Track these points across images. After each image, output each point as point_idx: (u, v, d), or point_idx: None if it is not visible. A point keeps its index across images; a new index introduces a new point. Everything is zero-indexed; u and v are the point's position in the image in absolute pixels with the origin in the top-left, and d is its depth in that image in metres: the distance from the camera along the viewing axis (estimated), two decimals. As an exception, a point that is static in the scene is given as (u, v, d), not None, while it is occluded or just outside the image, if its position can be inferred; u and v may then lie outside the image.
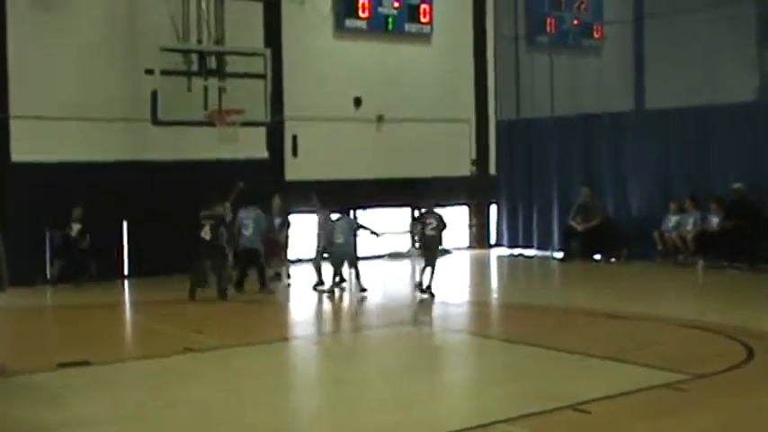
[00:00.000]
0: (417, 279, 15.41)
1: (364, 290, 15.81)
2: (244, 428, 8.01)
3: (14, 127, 17.69)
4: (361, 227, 16.49)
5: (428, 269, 15.24)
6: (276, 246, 17.50)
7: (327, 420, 8.30)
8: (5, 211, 16.23)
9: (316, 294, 16.33)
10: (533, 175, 22.62)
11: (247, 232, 16.32)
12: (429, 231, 15.49)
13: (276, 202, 17.75)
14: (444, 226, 15.79)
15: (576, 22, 25.11)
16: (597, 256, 20.48)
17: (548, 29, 24.26)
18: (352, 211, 16.73)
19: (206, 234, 15.64)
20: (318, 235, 17.06)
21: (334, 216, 16.33)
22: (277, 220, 17.59)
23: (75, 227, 17.64)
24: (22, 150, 17.68)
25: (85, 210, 17.53)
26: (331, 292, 16.02)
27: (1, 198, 15.83)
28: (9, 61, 17.58)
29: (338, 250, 15.95)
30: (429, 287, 15.15)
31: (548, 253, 21.88)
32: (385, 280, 18.75)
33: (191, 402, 8.81)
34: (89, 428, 8.02)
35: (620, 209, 20.69)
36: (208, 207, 15.82)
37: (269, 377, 10.03)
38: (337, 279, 16.28)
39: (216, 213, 15.83)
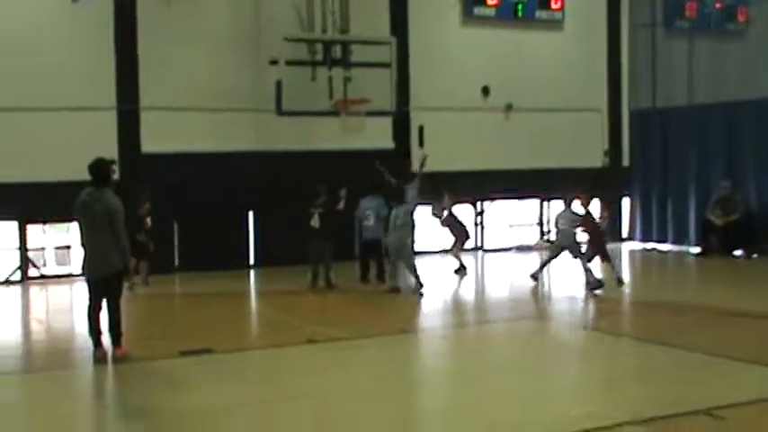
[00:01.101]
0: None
1: (599, 283, 14.80)
2: (363, 423, 7.78)
3: (144, 118, 18.06)
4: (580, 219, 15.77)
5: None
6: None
7: (447, 417, 7.98)
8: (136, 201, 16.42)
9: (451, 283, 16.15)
10: (669, 167, 21.77)
11: (369, 223, 16.14)
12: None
13: (446, 198, 17.53)
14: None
15: (718, 5, 23.97)
16: (737, 252, 19.47)
17: (687, 13, 23.22)
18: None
19: (315, 222, 15.57)
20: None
21: (561, 207, 15.49)
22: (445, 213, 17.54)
23: (147, 223, 16.25)
24: (152, 141, 18.04)
25: (153, 205, 16.42)
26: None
27: (132, 189, 16.10)
28: (139, 53, 17.95)
29: (561, 241, 15.27)
30: (620, 278, 15.40)
31: (683, 248, 21.00)
32: (512, 272, 18.35)
33: (310, 394, 8.65)
34: (207, 416, 7.96)
35: (763, 202, 19.61)
36: (317, 195, 15.66)
37: (389, 371, 9.80)
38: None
39: (324, 202, 15.67)
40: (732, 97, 20.42)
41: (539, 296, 14.97)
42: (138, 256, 14.80)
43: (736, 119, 20.26)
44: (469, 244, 18.68)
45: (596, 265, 15.30)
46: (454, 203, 17.72)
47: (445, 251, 18.79)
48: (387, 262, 15.94)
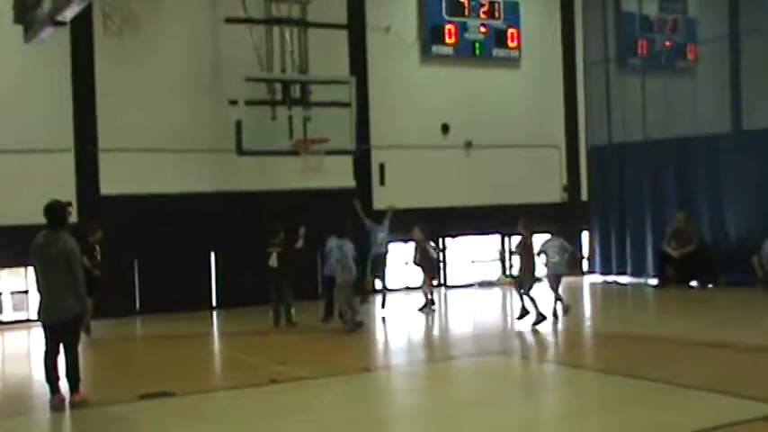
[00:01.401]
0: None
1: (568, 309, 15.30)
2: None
3: (102, 160, 17.97)
4: (570, 250, 16.01)
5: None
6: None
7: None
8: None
9: (402, 321, 16.12)
10: (626, 201, 22.07)
11: (333, 260, 16.11)
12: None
13: (416, 232, 17.56)
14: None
15: (668, 43, 24.45)
16: (693, 283, 19.75)
17: (639, 51, 23.65)
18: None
19: (273, 262, 15.59)
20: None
21: (547, 236, 15.67)
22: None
23: (97, 253, 15.19)
24: (110, 183, 17.94)
25: (105, 235, 15.33)
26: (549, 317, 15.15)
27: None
28: (97, 95, 17.90)
29: (556, 269, 15.38)
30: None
31: (642, 280, 21.24)
32: (474, 308, 18.40)
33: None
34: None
35: (716, 234, 19.98)
36: (275, 234, 15.73)
37: (354, 409, 9.77)
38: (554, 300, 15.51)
39: (282, 241, 15.71)
40: (685, 132, 20.78)
41: (503, 331, 14.97)
42: (92, 293, 13.98)
43: (688, 153, 20.61)
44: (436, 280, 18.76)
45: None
46: (427, 238, 17.81)
47: (411, 288, 18.81)
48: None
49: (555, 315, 15.26)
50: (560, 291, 15.45)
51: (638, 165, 21.79)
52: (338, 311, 16.09)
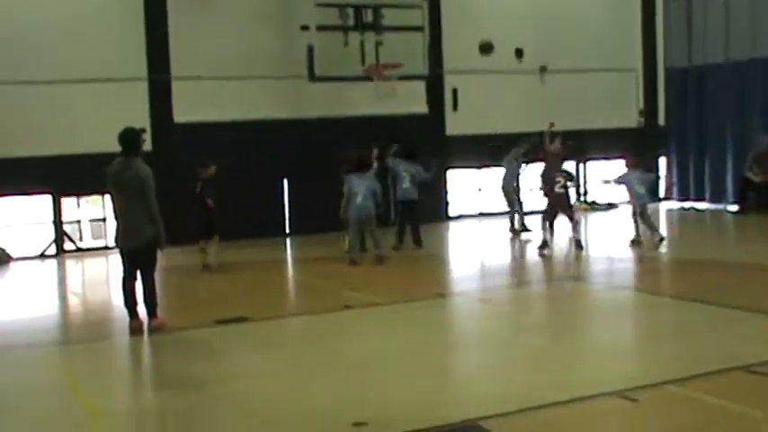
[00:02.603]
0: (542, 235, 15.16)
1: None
2: (400, 386, 7.70)
3: (175, 88, 18.05)
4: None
5: (570, 224, 15.16)
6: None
7: (485, 379, 7.90)
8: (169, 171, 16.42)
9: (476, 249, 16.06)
10: (706, 124, 21.45)
11: (405, 185, 16.07)
12: (558, 189, 15.09)
13: (515, 151, 17.70)
14: (572, 179, 16.00)
15: (753, -42, 23.48)
16: (776, 209, 19.23)
17: (722, -33, 22.75)
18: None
19: None
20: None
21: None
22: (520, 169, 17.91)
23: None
24: (184, 111, 18.03)
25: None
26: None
27: (165, 159, 16.13)
28: (169, 23, 17.91)
29: (644, 199, 15.47)
30: (578, 240, 15.15)
31: (721, 206, 20.74)
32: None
33: (347, 359, 8.60)
34: (243, 383, 7.92)
35: (803, 158, 19.34)
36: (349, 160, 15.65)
37: (426, 334, 9.74)
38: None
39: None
40: (769, 52, 20.06)
41: (580, 257, 14.77)
42: (212, 232, 14.84)
43: (773, 74, 19.90)
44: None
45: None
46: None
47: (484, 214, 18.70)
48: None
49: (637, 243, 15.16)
50: (651, 220, 15.45)
51: (719, 87, 21.10)
52: (412, 238, 16.07)
